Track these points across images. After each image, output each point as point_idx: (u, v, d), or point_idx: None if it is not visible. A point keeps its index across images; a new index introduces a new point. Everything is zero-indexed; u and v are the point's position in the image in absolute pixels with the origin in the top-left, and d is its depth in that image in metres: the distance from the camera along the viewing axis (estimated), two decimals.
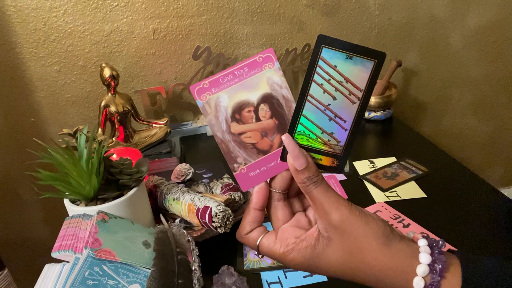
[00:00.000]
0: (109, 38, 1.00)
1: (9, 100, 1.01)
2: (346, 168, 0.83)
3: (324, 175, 0.86)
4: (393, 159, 0.85)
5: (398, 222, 0.65)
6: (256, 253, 0.40)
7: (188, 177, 0.74)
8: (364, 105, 0.37)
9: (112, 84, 0.91)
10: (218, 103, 0.38)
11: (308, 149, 0.38)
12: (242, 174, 0.40)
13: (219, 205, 0.58)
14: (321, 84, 0.37)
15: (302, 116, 0.38)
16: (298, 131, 0.38)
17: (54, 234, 0.52)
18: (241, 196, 0.66)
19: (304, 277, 0.56)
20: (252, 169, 0.39)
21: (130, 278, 0.47)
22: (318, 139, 0.38)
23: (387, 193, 0.73)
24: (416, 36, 1.19)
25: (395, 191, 0.74)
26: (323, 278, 0.55)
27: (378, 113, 1.06)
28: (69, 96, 1.04)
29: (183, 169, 0.74)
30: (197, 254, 0.52)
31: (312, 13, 1.09)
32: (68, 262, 0.49)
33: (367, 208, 0.68)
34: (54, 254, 0.50)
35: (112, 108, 0.92)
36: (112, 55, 1.02)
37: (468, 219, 0.65)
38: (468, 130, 1.34)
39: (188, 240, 0.54)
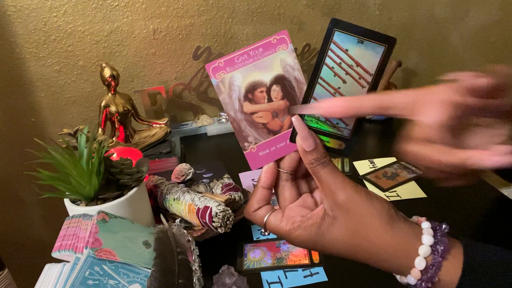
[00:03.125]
0: (109, 38, 1.00)
1: (9, 100, 1.01)
2: (346, 168, 0.83)
3: None
4: (393, 159, 0.85)
5: None
6: (262, 230, 0.41)
7: (188, 177, 0.74)
8: (373, 89, 0.38)
9: (112, 84, 0.91)
10: (232, 82, 0.39)
11: (317, 131, 0.39)
12: (252, 153, 0.41)
13: (219, 205, 0.58)
14: (332, 67, 0.37)
15: (312, 98, 0.38)
16: (308, 113, 0.39)
17: (54, 234, 0.52)
18: (241, 196, 0.67)
19: (305, 277, 0.56)
20: (262, 148, 0.40)
21: (130, 278, 0.47)
22: (327, 121, 0.39)
23: (387, 193, 0.73)
24: (416, 36, 1.19)
25: (395, 191, 0.74)
26: (323, 278, 0.55)
27: None
28: (69, 96, 1.04)
29: (183, 169, 0.74)
30: (197, 254, 0.52)
31: (312, 13, 1.09)
32: (68, 262, 0.49)
33: None
34: (55, 254, 0.50)
35: (112, 108, 0.92)
36: (112, 55, 1.02)
37: (468, 219, 0.65)
38: None
39: (188, 240, 0.54)
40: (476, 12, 1.18)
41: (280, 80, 0.39)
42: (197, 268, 0.50)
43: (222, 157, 0.94)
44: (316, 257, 0.59)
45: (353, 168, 0.83)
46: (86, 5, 0.96)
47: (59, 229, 0.52)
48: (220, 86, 0.39)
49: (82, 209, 0.54)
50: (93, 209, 0.53)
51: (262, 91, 0.39)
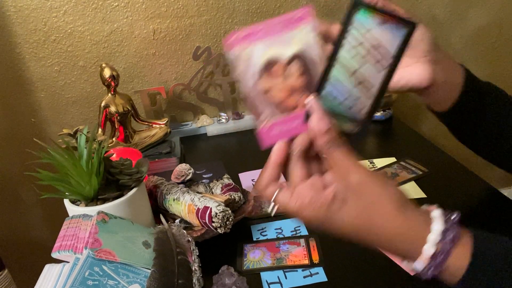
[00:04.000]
0: (109, 38, 1.00)
1: (9, 100, 1.01)
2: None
3: None
4: (393, 159, 0.85)
5: None
6: (271, 208, 0.40)
7: (188, 178, 0.74)
8: (391, 72, 0.37)
9: (112, 84, 0.91)
10: (249, 58, 0.38)
11: (332, 113, 0.38)
12: (264, 130, 0.40)
13: (219, 205, 0.58)
14: (352, 47, 0.37)
15: (329, 79, 0.38)
16: (324, 94, 0.38)
17: (54, 234, 0.52)
18: (241, 197, 0.67)
19: (304, 277, 0.56)
20: (275, 126, 0.40)
21: (130, 278, 0.47)
22: (344, 103, 0.38)
23: None
24: None
25: None
26: (323, 278, 0.55)
27: (378, 113, 1.06)
28: (69, 96, 1.04)
29: (183, 169, 0.74)
30: (197, 254, 0.52)
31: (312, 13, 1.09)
32: (68, 262, 0.49)
33: None
34: (54, 255, 0.50)
35: (112, 108, 0.92)
36: (112, 56, 1.02)
37: (468, 219, 0.65)
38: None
39: (188, 240, 0.54)
40: (476, 12, 1.18)
41: (299, 58, 0.38)
42: (196, 269, 0.50)
43: (222, 157, 0.94)
44: (316, 257, 0.59)
45: None
46: (86, 6, 0.96)
47: (59, 229, 0.52)
48: (236, 61, 0.38)
49: (82, 209, 0.54)
50: (92, 210, 0.53)
51: (279, 68, 0.38)
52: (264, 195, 0.41)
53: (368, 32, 0.36)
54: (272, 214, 0.41)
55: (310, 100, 0.38)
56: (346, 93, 0.38)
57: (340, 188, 0.37)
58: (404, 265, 0.37)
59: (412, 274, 0.36)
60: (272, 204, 0.40)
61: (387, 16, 0.36)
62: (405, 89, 0.52)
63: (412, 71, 0.50)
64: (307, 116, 0.38)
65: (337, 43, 0.37)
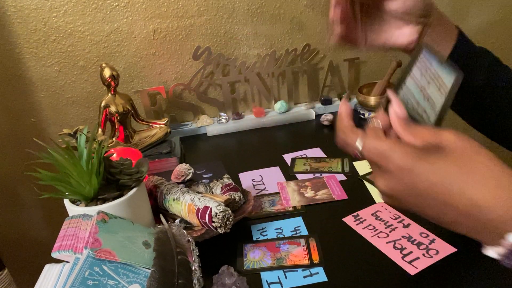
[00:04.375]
0: (109, 38, 1.00)
1: (9, 100, 1.01)
2: (346, 168, 0.83)
3: (324, 174, 0.87)
4: None
5: (398, 222, 0.65)
6: (358, 147, 0.40)
7: (188, 177, 0.74)
8: (448, 101, 0.42)
9: (112, 84, 0.91)
10: None
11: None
12: None
13: (219, 205, 0.58)
14: (421, 69, 0.44)
15: (403, 86, 0.45)
16: (400, 94, 0.44)
17: (54, 234, 0.52)
18: (241, 196, 0.67)
19: (304, 277, 0.56)
20: None
21: (130, 278, 0.47)
22: (414, 108, 0.44)
23: None
24: None
25: None
26: (323, 278, 0.55)
27: None
28: (69, 96, 1.04)
29: (183, 169, 0.74)
30: (197, 254, 0.52)
31: (312, 13, 1.09)
32: (68, 262, 0.49)
33: (366, 209, 0.69)
34: (54, 254, 0.50)
35: (112, 108, 0.92)
36: (112, 56, 1.02)
37: None
38: (468, 130, 1.34)
39: (188, 240, 0.54)
40: (476, 12, 1.18)
41: None
42: (196, 268, 0.50)
43: (222, 157, 0.94)
44: (316, 257, 0.59)
45: (353, 168, 0.83)
46: (86, 5, 0.96)
47: (59, 229, 0.52)
48: None
49: (81, 209, 0.54)
50: (92, 210, 0.53)
51: None
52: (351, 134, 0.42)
53: (431, 65, 0.43)
54: (360, 148, 0.39)
55: (389, 92, 0.42)
56: (415, 102, 0.44)
57: (450, 138, 0.34)
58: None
59: (493, 256, 0.33)
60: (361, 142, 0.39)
61: (444, 59, 0.43)
62: (393, 48, 0.56)
63: (402, 33, 0.53)
64: (387, 107, 0.42)
65: (412, 60, 0.44)
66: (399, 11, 0.52)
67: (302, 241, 0.63)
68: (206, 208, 0.58)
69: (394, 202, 0.38)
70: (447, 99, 0.41)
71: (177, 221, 0.61)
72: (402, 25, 0.53)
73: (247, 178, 0.84)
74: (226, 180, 0.71)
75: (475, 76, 0.55)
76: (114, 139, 0.96)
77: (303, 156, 0.90)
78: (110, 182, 0.56)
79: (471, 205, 0.32)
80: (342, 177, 0.80)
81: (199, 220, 0.59)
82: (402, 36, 0.54)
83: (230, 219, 0.58)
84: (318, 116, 1.12)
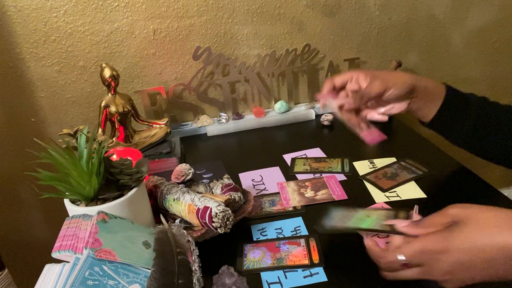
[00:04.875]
0: (109, 38, 1.00)
1: (9, 100, 1.01)
2: (346, 168, 0.83)
3: (324, 175, 0.86)
4: (393, 159, 0.85)
5: None
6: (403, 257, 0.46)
7: (188, 177, 0.74)
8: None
9: (112, 84, 0.91)
10: None
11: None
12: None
13: (219, 205, 0.58)
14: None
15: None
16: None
17: (54, 234, 0.52)
18: (241, 196, 0.67)
19: (304, 277, 0.56)
20: None
21: (130, 278, 0.47)
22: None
23: (387, 194, 0.73)
24: (416, 36, 1.19)
25: (395, 191, 0.74)
26: (323, 278, 0.55)
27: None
28: (70, 96, 1.04)
29: (183, 169, 0.74)
30: (197, 254, 0.52)
31: (312, 13, 1.09)
32: (68, 262, 0.49)
33: (366, 209, 0.68)
34: (54, 254, 0.50)
35: (112, 108, 0.92)
36: (112, 56, 1.02)
37: None
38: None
39: (188, 240, 0.54)
40: (476, 12, 1.18)
41: None
42: (197, 268, 0.50)
43: (222, 157, 0.94)
44: (316, 257, 0.59)
45: (353, 168, 0.83)
46: (86, 6, 0.96)
47: (59, 229, 0.52)
48: None
49: (82, 209, 0.54)
50: (93, 210, 0.53)
51: None
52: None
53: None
54: (405, 258, 0.45)
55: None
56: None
57: (456, 212, 0.43)
58: None
59: None
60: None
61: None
62: (392, 97, 0.64)
63: (396, 83, 0.63)
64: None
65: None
66: (391, 98, 0.64)
67: (302, 241, 0.63)
68: (206, 208, 0.58)
69: (456, 283, 0.43)
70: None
71: (177, 221, 0.61)
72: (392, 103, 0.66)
73: (247, 178, 0.84)
74: (226, 180, 0.71)
75: (464, 125, 0.66)
76: (114, 139, 0.96)
77: (303, 156, 0.90)
78: (110, 182, 0.56)
79: (504, 251, 0.38)
80: (342, 177, 0.80)
81: (199, 220, 0.59)
82: (393, 110, 0.66)
83: (230, 219, 0.58)
84: (318, 116, 1.12)
